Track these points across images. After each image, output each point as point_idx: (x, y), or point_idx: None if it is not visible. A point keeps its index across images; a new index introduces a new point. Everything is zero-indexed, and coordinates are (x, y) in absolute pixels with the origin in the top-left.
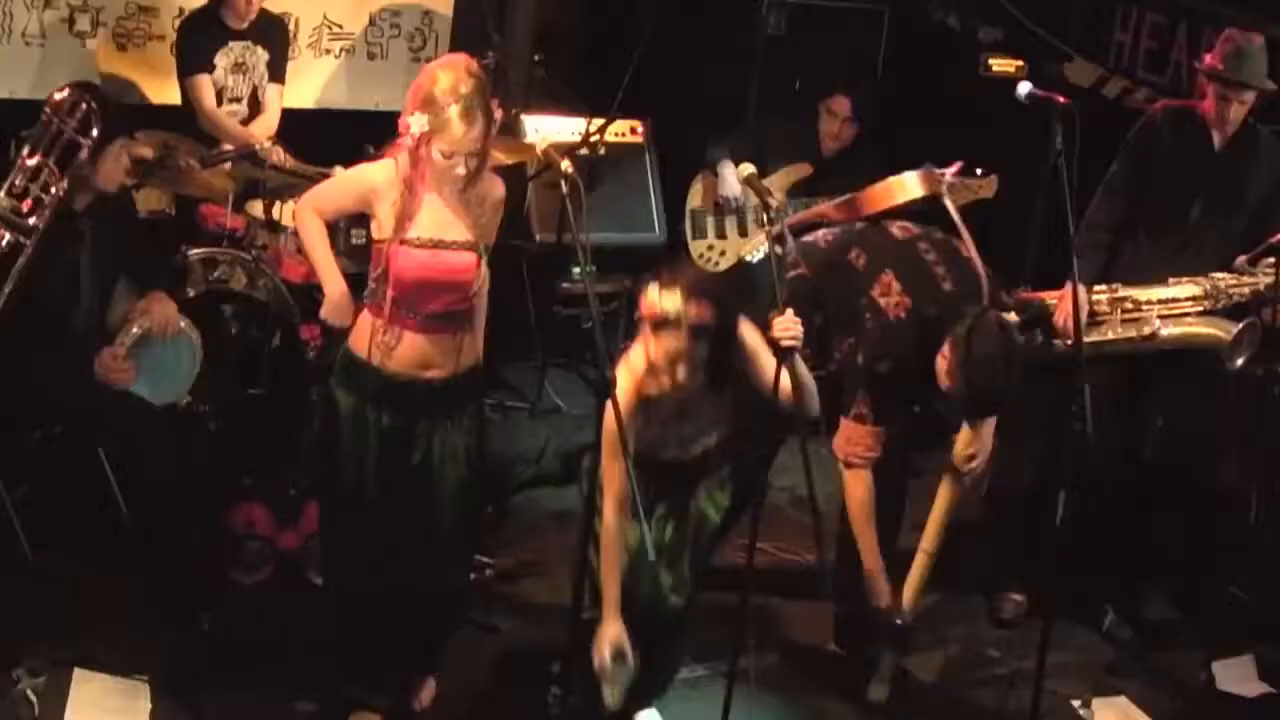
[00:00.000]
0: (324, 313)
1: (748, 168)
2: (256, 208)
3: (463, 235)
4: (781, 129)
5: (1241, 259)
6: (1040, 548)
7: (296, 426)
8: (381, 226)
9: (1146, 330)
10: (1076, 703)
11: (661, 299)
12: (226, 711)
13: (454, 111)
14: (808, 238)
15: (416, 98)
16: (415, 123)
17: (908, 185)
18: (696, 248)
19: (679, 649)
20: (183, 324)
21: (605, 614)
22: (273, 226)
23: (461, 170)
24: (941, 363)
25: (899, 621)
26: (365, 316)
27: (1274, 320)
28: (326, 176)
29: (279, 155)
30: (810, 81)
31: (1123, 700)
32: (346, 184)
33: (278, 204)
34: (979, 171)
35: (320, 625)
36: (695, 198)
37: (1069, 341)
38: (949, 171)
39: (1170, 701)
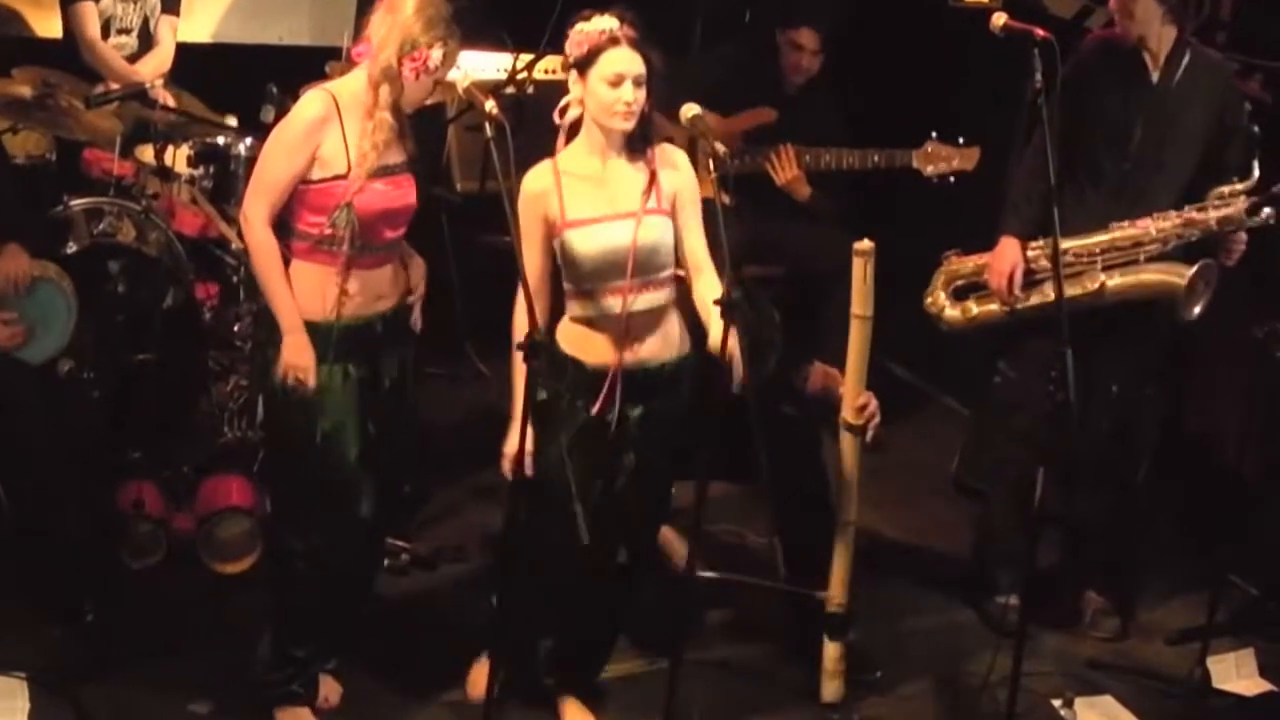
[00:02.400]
0: (285, 358)
1: (693, 108)
2: (147, 153)
3: (401, 156)
4: (735, 63)
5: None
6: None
7: (191, 396)
8: (327, 164)
9: (1092, 284)
10: (1057, 702)
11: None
12: (113, 711)
13: (457, 37)
14: None
15: (415, 26)
16: (436, 56)
17: None
18: None
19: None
20: (40, 271)
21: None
22: (164, 174)
23: (439, 96)
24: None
25: (835, 609)
26: (306, 271)
27: (1231, 259)
28: (223, 120)
29: (166, 98)
30: (762, 11)
31: (1108, 699)
32: (288, 141)
33: (170, 149)
34: (960, 141)
35: (274, 591)
36: None
37: (1007, 306)
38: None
39: (1160, 701)
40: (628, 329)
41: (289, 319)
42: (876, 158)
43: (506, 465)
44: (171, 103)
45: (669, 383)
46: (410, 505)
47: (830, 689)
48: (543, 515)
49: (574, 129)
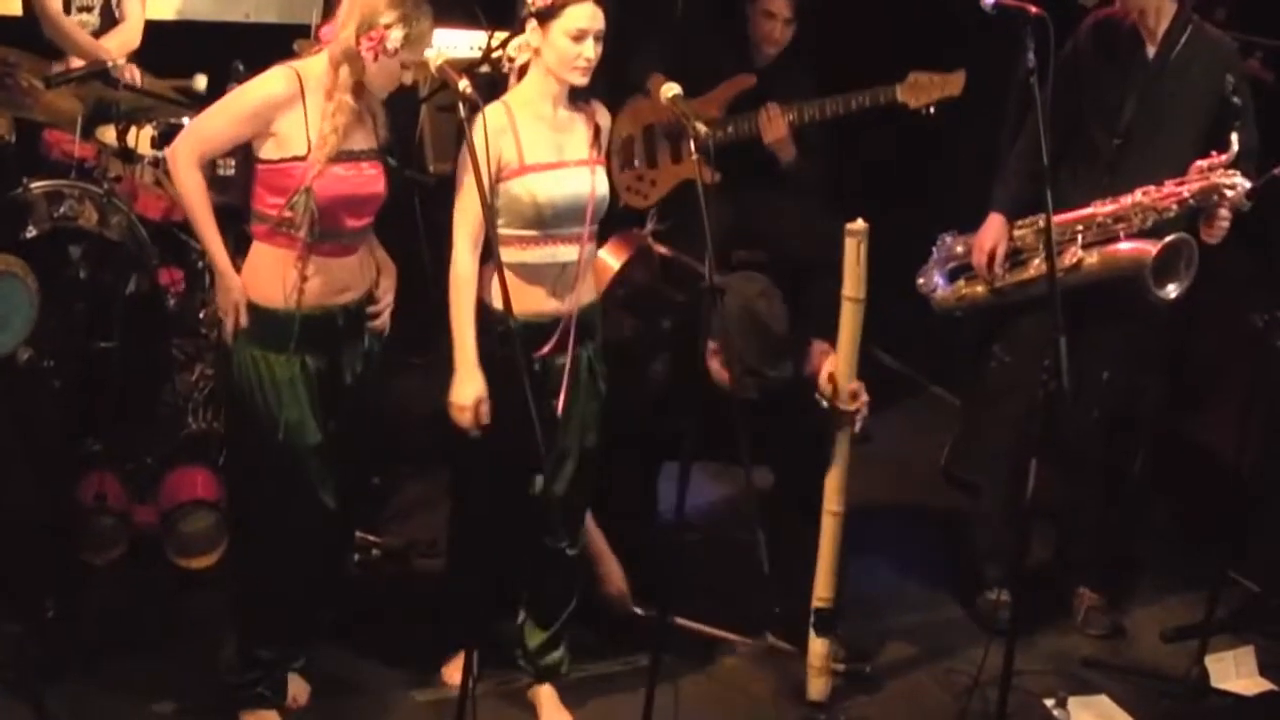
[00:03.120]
0: (219, 301)
1: (673, 88)
2: (109, 134)
3: (370, 143)
4: (703, 35)
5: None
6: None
7: (155, 385)
8: (285, 144)
9: (1069, 261)
10: (1050, 702)
11: None
12: (75, 711)
13: (427, 19)
14: None
15: (377, 4)
16: (395, 36)
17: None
18: (624, 180)
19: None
20: (3, 266)
21: (459, 367)
22: (127, 155)
23: (408, 79)
24: (712, 363)
25: (821, 603)
26: (267, 255)
27: (1213, 236)
28: (190, 100)
29: (134, 74)
30: None
31: (1103, 699)
32: (240, 107)
33: (133, 129)
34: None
35: (236, 584)
36: (624, 125)
37: (996, 286)
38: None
39: (1157, 700)
40: (579, 274)
41: (218, 259)
42: (861, 98)
43: (466, 416)
44: (137, 81)
45: (596, 326)
46: (380, 498)
47: (816, 687)
48: (489, 477)
49: (522, 72)
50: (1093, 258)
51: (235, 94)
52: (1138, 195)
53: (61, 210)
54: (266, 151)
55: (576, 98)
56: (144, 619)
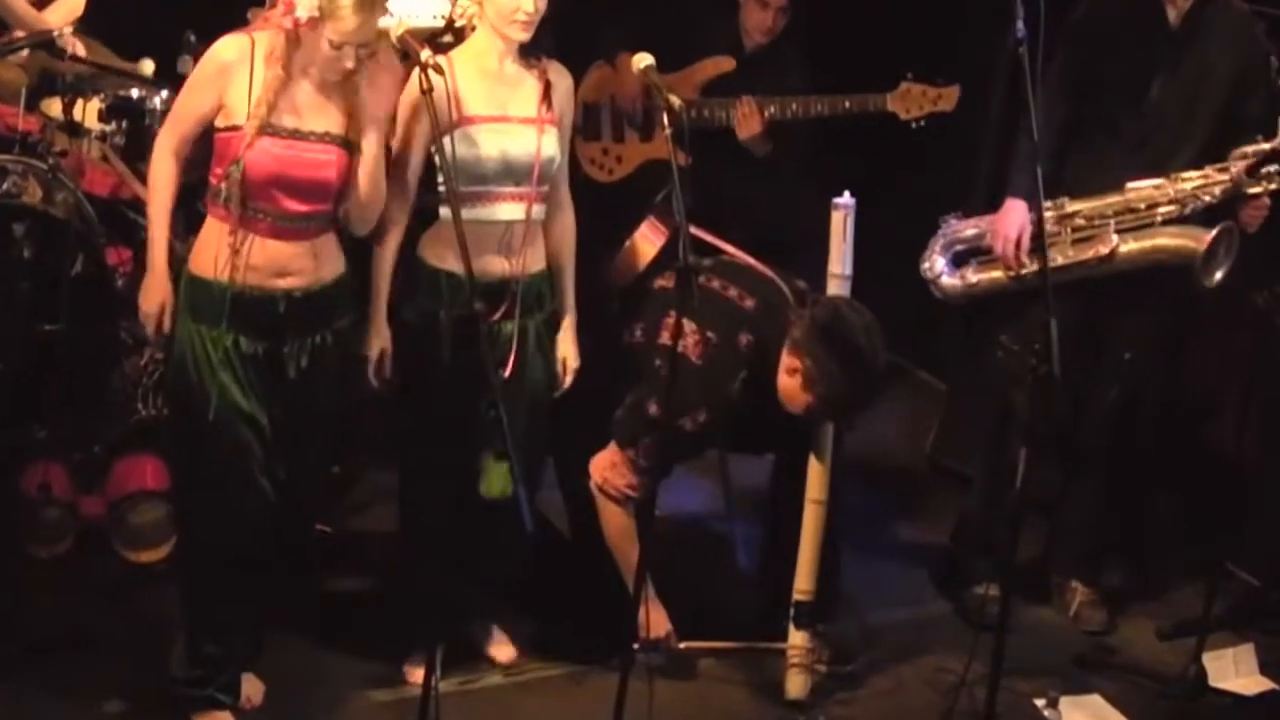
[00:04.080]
0: (141, 302)
1: (645, 58)
2: (54, 107)
3: (328, 127)
4: (687, 10)
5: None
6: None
7: (102, 370)
8: (230, 112)
9: (1103, 249)
10: (1040, 701)
11: None
12: (18, 710)
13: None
14: None
15: None
16: (303, 5)
17: (642, 248)
18: (588, 152)
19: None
20: None
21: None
22: (73, 129)
23: (350, 63)
24: (788, 381)
25: (802, 596)
26: (210, 226)
27: (1253, 221)
28: (138, 72)
29: (79, 46)
30: None
31: (1096, 699)
32: (196, 76)
33: (80, 102)
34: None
35: (181, 576)
36: (589, 91)
37: (1012, 273)
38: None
39: (1153, 700)
40: (525, 237)
41: (152, 254)
42: (848, 103)
43: (371, 371)
44: (82, 52)
45: (545, 296)
46: (339, 488)
47: (795, 685)
48: (433, 446)
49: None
50: (1129, 245)
51: (196, 67)
52: (1177, 180)
53: (4, 186)
54: (219, 120)
55: (529, 55)
56: (92, 614)
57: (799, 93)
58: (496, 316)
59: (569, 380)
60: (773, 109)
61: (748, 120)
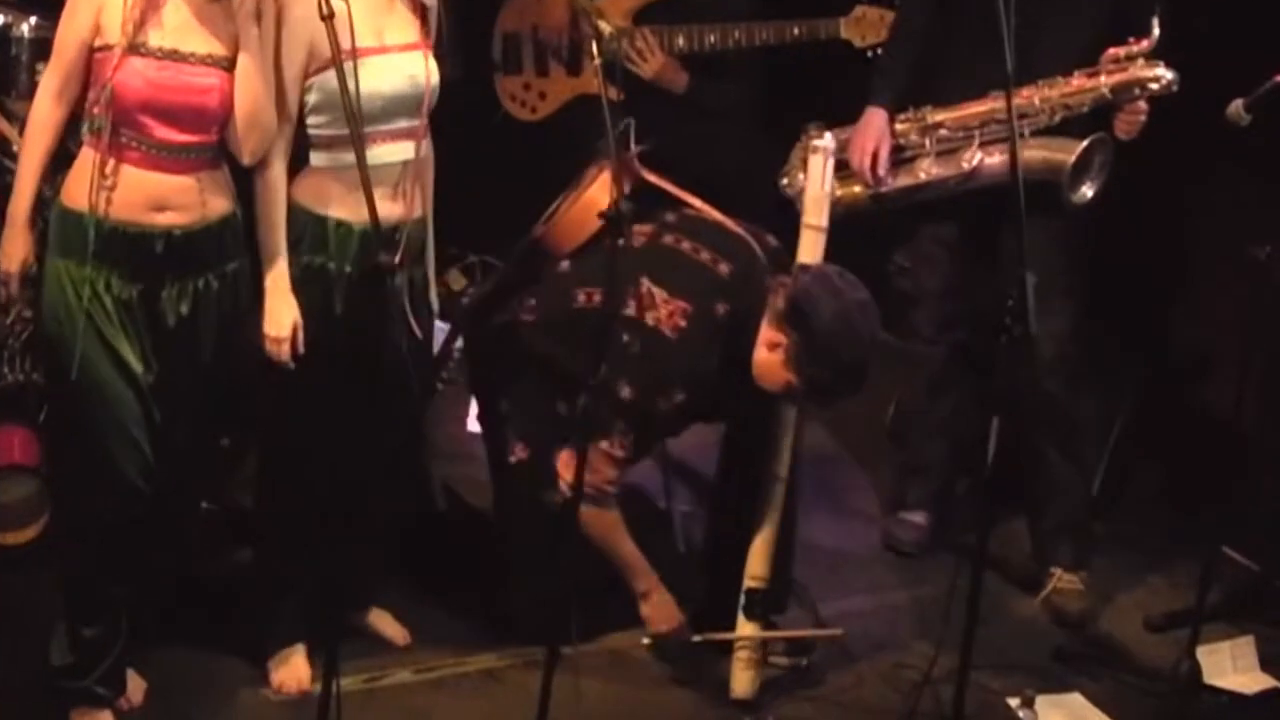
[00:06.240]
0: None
1: None
2: None
3: (210, 49)
4: None
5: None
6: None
7: None
8: (105, 31)
9: (966, 163)
10: (1015, 701)
11: None
12: None
13: None
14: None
15: None
16: None
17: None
18: (508, 86)
19: None
20: None
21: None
22: None
23: None
24: (767, 357)
25: (755, 583)
26: (83, 155)
27: (1129, 131)
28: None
29: None
30: None
31: (1075, 697)
32: (69, 4)
33: None
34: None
35: (58, 555)
36: (509, 20)
37: (871, 190)
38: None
39: (1139, 698)
40: (414, 177)
41: (14, 206)
42: (797, 30)
43: (284, 349)
44: None
45: (423, 243)
46: (228, 463)
47: (742, 682)
48: (314, 417)
49: None
50: (995, 158)
51: None
52: (1044, 88)
53: None
54: (96, 40)
55: None
56: None
57: (741, 19)
58: (396, 262)
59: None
60: (681, 41)
61: (647, 60)
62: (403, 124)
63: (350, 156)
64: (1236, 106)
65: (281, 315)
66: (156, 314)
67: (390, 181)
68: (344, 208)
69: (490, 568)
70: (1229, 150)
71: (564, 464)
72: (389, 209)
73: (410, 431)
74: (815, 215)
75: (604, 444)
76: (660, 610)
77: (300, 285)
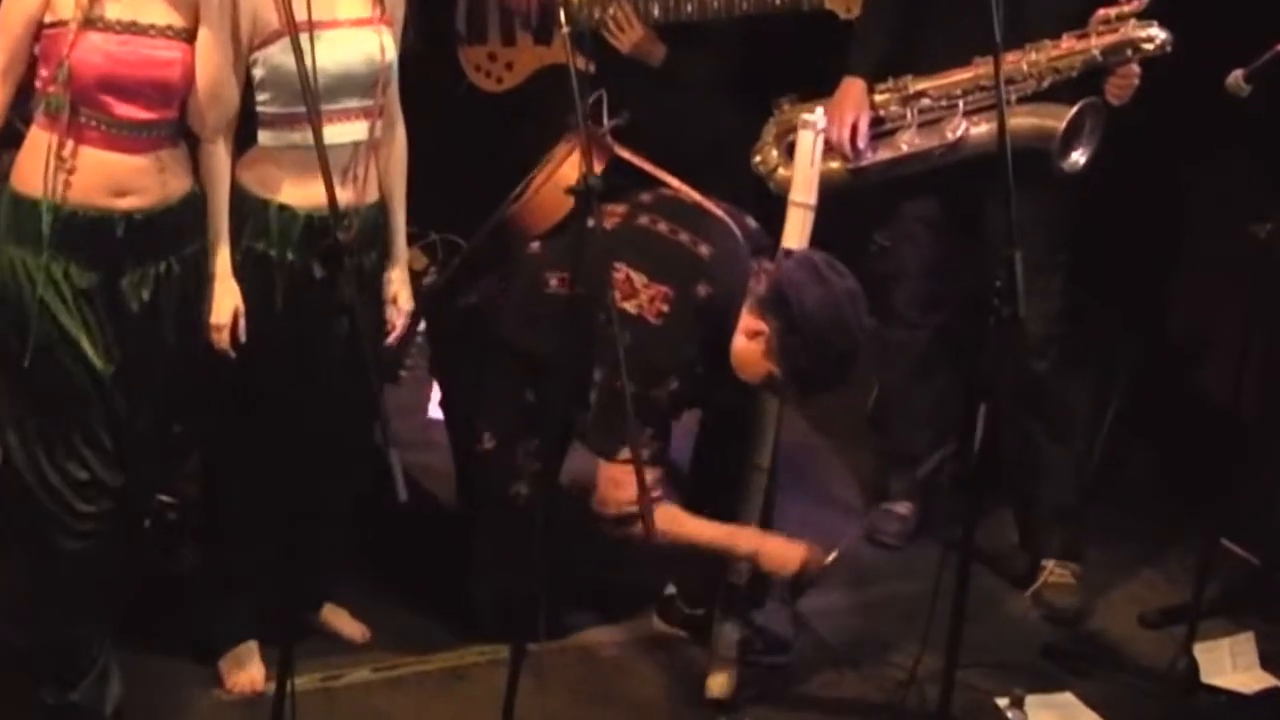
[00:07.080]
0: None
1: None
2: None
3: (170, 19)
4: None
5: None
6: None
7: None
8: (56, 5)
9: (950, 135)
10: (1003, 701)
11: None
12: None
13: None
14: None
15: None
16: None
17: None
18: (473, 56)
19: None
20: None
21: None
22: None
23: None
24: (746, 345)
25: (735, 579)
26: (35, 138)
27: (1121, 94)
28: None
29: None
30: None
31: (1067, 697)
32: None
33: None
34: None
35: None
36: None
37: (850, 165)
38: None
39: (1134, 698)
40: (367, 159)
41: None
42: (778, 1)
43: (224, 337)
44: None
45: (378, 229)
46: (181, 449)
47: (718, 681)
48: (259, 410)
49: None
50: (981, 128)
51: None
52: (1031, 52)
53: None
54: (46, 15)
55: None
56: None
57: None
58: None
59: (401, 325)
60: (656, 11)
61: (625, 32)
62: (354, 103)
63: (296, 136)
64: (1236, 77)
65: (223, 301)
66: (117, 302)
67: (339, 165)
68: (288, 191)
69: (453, 561)
70: (1228, 125)
71: (614, 483)
72: (337, 193)
73: (362, 418)
74: (803, 193)
75: (623, 455)
76: (782, 554)
77: (242, 272)
